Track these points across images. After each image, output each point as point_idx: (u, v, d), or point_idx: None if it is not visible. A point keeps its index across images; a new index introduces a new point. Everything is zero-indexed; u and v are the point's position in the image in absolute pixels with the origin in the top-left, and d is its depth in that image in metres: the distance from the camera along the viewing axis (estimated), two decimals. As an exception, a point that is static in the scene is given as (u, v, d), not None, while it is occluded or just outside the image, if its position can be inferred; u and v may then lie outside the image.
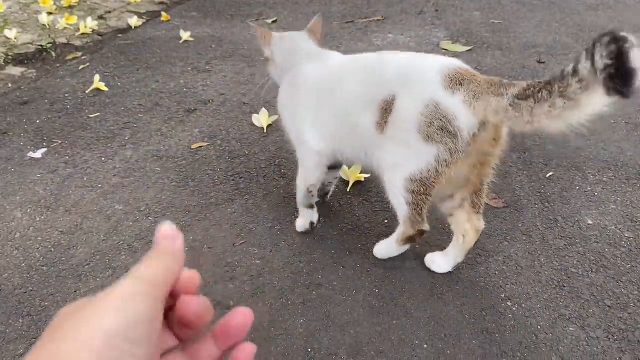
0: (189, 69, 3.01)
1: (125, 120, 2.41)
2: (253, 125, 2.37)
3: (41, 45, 3.39)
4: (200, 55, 3.21)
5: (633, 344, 1.31)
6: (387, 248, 1.58)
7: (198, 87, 2.78)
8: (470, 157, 1.31)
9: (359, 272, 1.55)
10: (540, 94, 1.14)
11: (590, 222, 1.76)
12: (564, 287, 1.49)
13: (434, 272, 1.54)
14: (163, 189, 1.94)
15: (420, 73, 1.32)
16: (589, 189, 1.94)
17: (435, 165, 1.30)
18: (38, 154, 2.14)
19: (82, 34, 3.62)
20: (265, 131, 2.32)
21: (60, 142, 2.24)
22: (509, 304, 1.44)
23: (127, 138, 2.27)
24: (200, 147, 2.21)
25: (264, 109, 2.38)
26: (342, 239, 1.68)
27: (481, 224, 1.49)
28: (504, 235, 1.70)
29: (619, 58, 0.97)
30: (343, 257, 1.61)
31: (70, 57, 3.31)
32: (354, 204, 1.85)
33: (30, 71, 3.10)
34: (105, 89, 2.73)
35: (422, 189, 1.35)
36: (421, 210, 1.40)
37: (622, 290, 1.48)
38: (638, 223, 1.75)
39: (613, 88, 1.00)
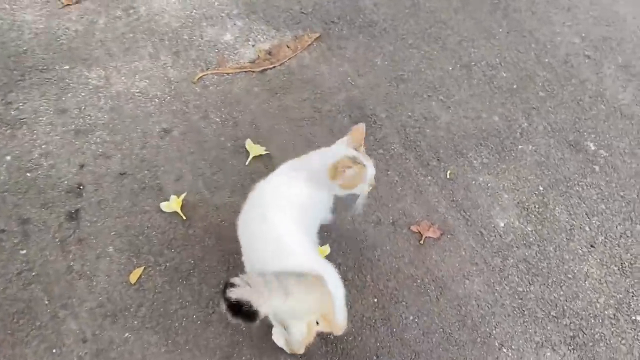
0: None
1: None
2: (164, 212, 2.15)
3: None
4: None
5: (584, 348, 1.98)
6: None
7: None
8: None
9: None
10: None
11: (502, 224, 2.26)
12: (524, 312, 2.05)
13: None
14: (160, 365, 1.84)
15: None
16: (480, 179, 2.38)
17: None
18: None
19: None
20: (183, 217, 2.14)
21: None
22: (504, 350, 1.96)
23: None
24: (140, 277, 2.00)
25: (173, 195, 2.15)
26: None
27: None
28: (462, 272, 2.13)
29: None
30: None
31: None
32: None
33: None
34: None
35: None
36: None
37: (554, 295, 2.10)
38: (528, 210, 2.31)
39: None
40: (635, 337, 2.01)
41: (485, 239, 2.21)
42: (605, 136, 2.55)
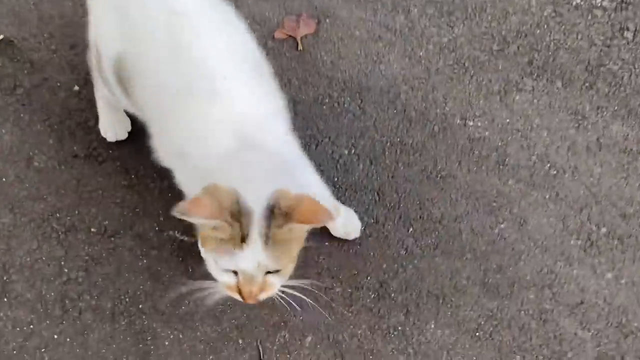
0: None
1: None
2: None
3: None
4: None
5: (547, 68, 1.53)
6: None
7: None
8: None
9: None
10: None
11: None
12: (464, 64, 1.51)
13: None
14: None
15: None
16: None
17: None
18: None
19: None
20: None
21: None
22: (470, 123, 1.45)
23: None
24: None
25: None
26: None
27: None
28: (369, 57, 1.50)
29: None
30: None
31: None
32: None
33: None
34: None
35: None
36: None
37: (484, 25, 1.56)
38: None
39: None
40: (587, 24, 1.57)
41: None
42: None
